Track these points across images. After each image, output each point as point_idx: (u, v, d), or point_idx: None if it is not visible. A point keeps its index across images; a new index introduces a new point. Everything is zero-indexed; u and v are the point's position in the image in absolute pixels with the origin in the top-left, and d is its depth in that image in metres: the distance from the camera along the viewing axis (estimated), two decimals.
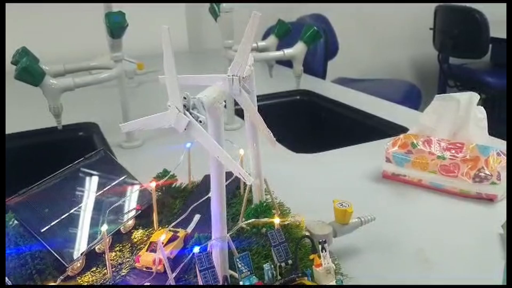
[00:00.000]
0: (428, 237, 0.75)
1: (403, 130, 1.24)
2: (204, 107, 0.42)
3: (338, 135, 1.49)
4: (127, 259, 0.60)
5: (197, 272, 0.48)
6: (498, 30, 2.60)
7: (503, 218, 0.75)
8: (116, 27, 1.02)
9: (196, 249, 0.48)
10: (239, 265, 0.49)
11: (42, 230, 0.56)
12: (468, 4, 2.68)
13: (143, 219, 0.68)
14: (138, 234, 0.65)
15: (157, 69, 1.89)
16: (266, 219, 0.58)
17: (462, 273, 0.66)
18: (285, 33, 1.33)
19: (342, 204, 0.68)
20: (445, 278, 0.65)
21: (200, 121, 0.42)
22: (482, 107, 0.87)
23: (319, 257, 0.51)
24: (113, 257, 0.61)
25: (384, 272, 0.66)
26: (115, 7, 1.07)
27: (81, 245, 0.59)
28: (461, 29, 2.68)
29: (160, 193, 0.72)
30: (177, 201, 0.71)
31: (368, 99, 1.54)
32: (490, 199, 0.84)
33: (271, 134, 0.55)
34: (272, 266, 0.50)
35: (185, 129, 0.42)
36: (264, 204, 0.61)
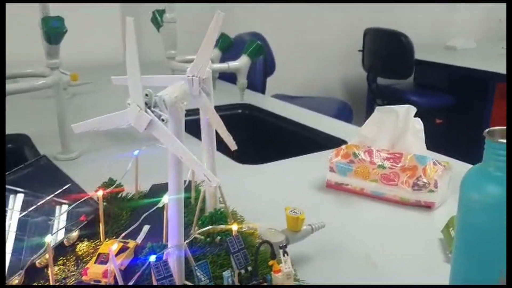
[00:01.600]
0: (374, 243, 0.78)
1: (341, 142, 1.28)
2: (166, 105, 0.41)
3: (280, 147, 1.51)
4: (72, 273, 0.56)
5: (153, 281, 0.46)
6: (420, 53, 2.78)
7: (441, 224, 0.79)
8: (54, 33, 0.98)
9: (153, 258, 0.46)
10: (198, 273, 0.47)
11: None
12: (394, 28, 2.85)
13: (88, 230, 0.64)
14: (83, 246, 0.62)
15: (92, 81, 1.83)
16: (224, 226, 0.57)
17: (409, 276, 0.69)
18: (228, 47, 1.34)
19: (294, 212, 0.68)
20: (394, 281, 0.67)
21: (163, 120, 0.40)
22: (419, 119, 0.92)
23: (278, 263, 0.50)
24: (56, 271, 0.57)
25: (336, 277, 0.67)
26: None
27: (21, 259, 0.55)
28: (389, 51, 2.83)
29: (105, 203, 0.69)
30: (124, 212, 0.68)
31: (307, 113, 1.58)
32: (428, 207, 0.88)
33: (231, 137, 0.54)
34: (232, 273, 0.49)
35: (145, 129, 0.40)
36: (219, 212, 0.60)
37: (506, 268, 0.50)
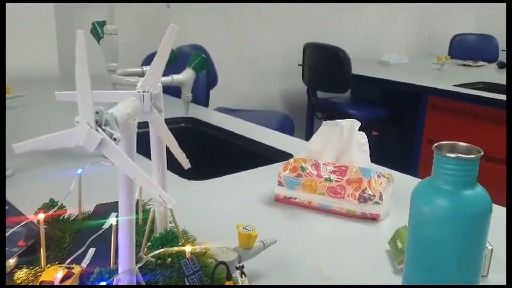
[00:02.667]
0: (324, 256, 0.78)
1: (286, 155, 1.29)
2: (117, 123, 0.39)
3: (226, 161, 1.50)
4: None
5: None
6: (356, 68, 2.88)
7: (387, 235, 0.81)
8: None
9: (103, 284, 0.43)
10: None
11: None
12: (331, 43, 2.93)
13: (26, 256, 0.59)
14: (22, 274, 0.57)
15: (25, 94, 1.73)
16: (178, 248, 0.54)
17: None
18: (172, 59, 1.31)
19: (246, 229, 0.67)
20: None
21: (115, 139, 0.38)
22: (363, 133, 0.94)
23: (234, 283, 0.49)
24: None
25: None
26: None
27: None
28: (327, 66, 2.91)
29: (46, 226, 0.64)
30: (66, 235, 0.64)
31: (251, 126, 1.58)
32: (373, 218, 0.90)
33: (184, 155, 0.52)
34: None
35: (96, 148, 0.38)
36: (170, 233, 0.58)
37: (457, 279, 0.51)
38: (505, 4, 3.19)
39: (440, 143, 0.53)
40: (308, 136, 3.31)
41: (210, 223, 0.85)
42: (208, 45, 2.70)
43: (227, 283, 0.50)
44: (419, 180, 1.09)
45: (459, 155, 0.51)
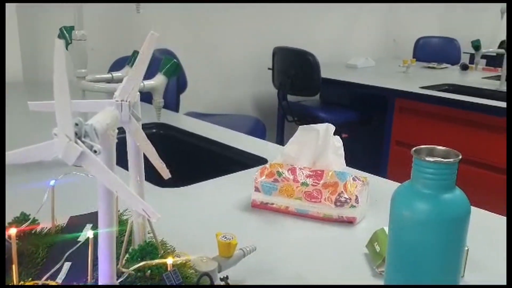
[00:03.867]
0: (303, 261, 0.78)
1: (260, 160, 1.29)
2: (97, 134, 0.37)
3: (200, 167, 1.48)
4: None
5: None
6: (324, 71, 2.91)
7: (364, 238, 0.82)
8: None
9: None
10: None
11: None
12: (298, 47, 2.96)
13: None
14: None
15: None
16: (159, 260, 0.53)
17: None
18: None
19: (225, 237, 0.67)
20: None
21: (95, 151, 0.37)
22: (338, 137, 0.95)
23: None
24: None
25: None
26: None
27: None
28: (297, 70, 2.93)
29: (17, 241, 0.61)
30: (39, 249, 0.62)
31: (223, 131, 1.57)
32: (350, 222, 0.90)
33: (164, 164, 0.51)
34: None
35: (75, 162, 0.36)
36: (149, 244, 0.56)
37: (438, 280, 0.52)
38: (468, 8, 3.28)
39: (418, 147, 0.54)
40: (279, 139, 3.32)
41: (188, 231, 0.84)
42: (176, 49, 2.68)
43: None
44: (392, 182, 1.12)
45: (438, 159, 0.52)
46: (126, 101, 0.44)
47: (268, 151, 1.33)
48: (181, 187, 1.06)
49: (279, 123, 3.31)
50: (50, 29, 2.40)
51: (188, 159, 1.55)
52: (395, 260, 0.56)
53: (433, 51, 3.97)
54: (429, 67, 3.43)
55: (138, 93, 0.47)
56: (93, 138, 0.37)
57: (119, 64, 2.19)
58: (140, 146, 0.50)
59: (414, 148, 0.54)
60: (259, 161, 1.28)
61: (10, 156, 0.37)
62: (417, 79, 2.95)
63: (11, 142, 1.35)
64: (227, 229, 0.69)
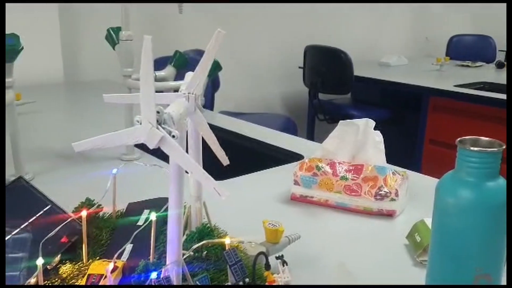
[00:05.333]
0: (344, 252, 0.81)
1: (296, 156, 1.32)
2: (173, 122, 0.41)
3: (236, 163, 1.52)
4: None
5: None
6: (357, 69, 2.92)
7: (404, 230, 0.84)
8: (9, 50, 0.94)
9: (154, 275, 0.46)
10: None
11: None
12: (329, 45, 2.97)
13: (68, 252, 0.62)
14: (66, 268, 0.59)
15: (35, 100, 1.76)
16: (218, 240, 0.57)
17: (383, 280, 0.72)
18: (183, 64, 1.34)
19: (272, 224, 0.70)
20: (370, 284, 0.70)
21: (173, 136, 0.41)
22: (379, 132, 0.97)
23: (272, 273, 0.52)
24: None
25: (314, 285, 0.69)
26: None
27: (14, 282, 0.52)
28: (328, 68, 2.94)
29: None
30: (103, 232, 0.67)
31: (257, 128, 1.61)
32: (389, 215, 0.93)
33: (223, 152, 0.55)
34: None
35: (156, 145, 0.40)
36: (207, 227, 0.60)
37: (482, 267, 0.54)
38: (504, 4, 3.23)
39: (462, 138, 0.56)
40: (309, 138, 3.34)
41: (234, 219, 0.87)
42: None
43: (266, 273, 0.53)
44: (429, 177, 1.13)
45: (482, 148, 0.54)
46: (193, 93, 0.48)
47: (303, 147, 1.36)
48: (219, 181, 1.10)
49: (310, 121, 3.33)
50: (90, 30, 2.50)
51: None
52: (439, 247, 0.59)
53: (467, 49, 3.91)
54: (463, 65, 3.39)
55: (202, 87, 0.51)
56: (171, 125, 0.41)
57: (157, 63, 2.26)
58: (204, 135, 0.54)
59: (458, 139, 0.56)
60: (295, 157, 1.31)
61: (93, 141, 0.42)
62: (451, 77, 2.93)
63: (54, 138, 1.43)
64: (269, 219, 0.72)
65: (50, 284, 0.56)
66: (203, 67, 0.47)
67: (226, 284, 0.49)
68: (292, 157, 1.33)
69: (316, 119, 3.24)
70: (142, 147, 1.32)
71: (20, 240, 0.58)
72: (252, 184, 1.11)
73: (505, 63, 3.25)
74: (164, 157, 1.21)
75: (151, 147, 0.41)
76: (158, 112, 0.41)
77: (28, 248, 0.58)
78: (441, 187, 0.57)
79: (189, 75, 0.55)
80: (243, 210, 0.94)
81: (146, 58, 0.40)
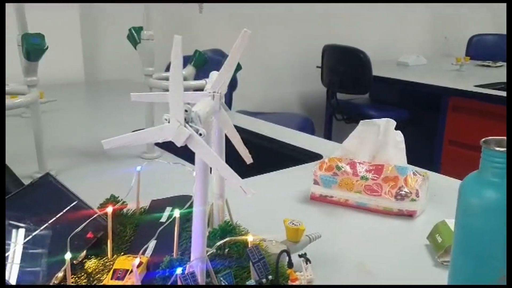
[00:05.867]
0: (364, 252, 0.81)
1: (314, 155, 1.32)
2: (200, 120, 0.42)
3: (255, 162, 1.53)
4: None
5: None
6: (375, 69, 2.90)
7: (424, 231, 0.83)
8: (34, 50, 0.96)
9: (179, 270, 0.47)
10: (223, 284, 0.48)
11: None
12: (347, 44, 2.96)
13: (93, 248, 0.63)
14: (91, 263, 0.61)
15: (56, 99, 1.79)
16: (241, 237, 0.58)
17: (403, 280, 0.72)
18: (203, 63, 1.35)
19: (293, 223, 0.70)
20: (390, 284, 0.70)
21: (200, 134, 0.42)
22: (400, 132, 0.97)
23: (294, 271, 0.52)
24: None
25: (334, 283, 0.70)
26: None
27: (41, 276, 0.53)
28: (347, 68, 2.93)
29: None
30: (127, 228, 0.68)
31: (276, 128, 1.62)
32: (410, 215, 0.92)
33: (247, 151, 0.56)
34: (255, 282, 0.51)
35: (184, 143, 0.41)
36: (229, 224, 0.61)
37: (505, 267, 0.54)
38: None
39: (487, 138, 0.56)
40: (327, 138, 3.32)
41: (254, 218, 0.88)
42: (227, 49, 2.74)
43: (289, 271, 0.53)
44: (449, 178, 1.12)
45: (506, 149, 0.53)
46: (218, 92, 0.48)
47: (321, 147, 1.36)
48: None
49: (327, 121, 3.32)
50: (109, 30, 2.53)
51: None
52: (463, 248, 0.58)
53: (487, 48, 3.85)
54: (483, 65, 3.34)
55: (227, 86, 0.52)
56: (198, 123, 0.42)
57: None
58: (228, 133, 0.55)
59: (483, 139, 0.56)
60: (312, 156, 1.31)
61: (122, 138, 0.43)
62: (471, 77, 2.89)
63: (75, 135, 1.45)
64: (289, 218, 0.72)
65: (76, 278, 0.58)
66: (229, 66, 0.48)
67: (249, 281, 0.50)
68: (310, 156, 1.33)
69: (333, 119, 3.23)
70: (162, 145, 1.34)
71: (40, 237, 0.60)
72: (271, 183, 1.11)
73: None
74: (184, 156, 1.22)
75: (178, 144, 0.42)
76: (186, 110, 0.41)
77: (47, 244, 0.59)
78: (465, 187, 0.57)
79: (214, 74, 0.56)
80: (263, 209, 0.94)
81: (175, 57, 0.40)
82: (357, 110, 3.09)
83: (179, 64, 0.41)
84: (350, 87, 3.00)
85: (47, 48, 0.97)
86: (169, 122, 0.41)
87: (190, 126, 0.41)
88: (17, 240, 0.56)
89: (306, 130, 2.61)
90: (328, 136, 3.27)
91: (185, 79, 1.31)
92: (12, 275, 0.52)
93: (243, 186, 0.43)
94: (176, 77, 0.41)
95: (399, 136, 0.97)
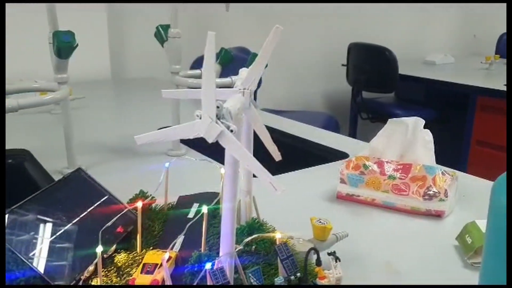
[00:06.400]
0: (391, 251, 0.80)
1: (339, 153, 1.31)
2: (231, 117, 0.42)
3: (280, 161, 1.53)
4: (116, 284, 0.56)
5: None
6: (401, 68, 2.86)
7: (453, 231, 0.82)
8: (64, 47, 0.98)
9: (208, 265, 0.47)
10: (252, 280, 0.48)
11: (31, 255, 0.51)
12: (378, 43, 2.92)
13: (123, 242, 0.64)
14: (121, 257, 0.62)
15: (84, 96, 1.82)
16: (269, 234, 0.58)
17: (432, 281, 0.71)
18: (229, 61, 1.36)
19: (320, 221, 0.70)
20: (419, 284, 0.69)
21: (231, 131, 0.42)
22: (428, 131, 0.95)
23: (322, 270, 0.52)
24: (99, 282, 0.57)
25: (362, 283, 0.69)
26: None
27: (73, 269, 0.55)
28: (373, 66, 2.90)
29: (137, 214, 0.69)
30: (155, 223, 0.69)
31: (301, 126, 1.61)
32: (438, 215, 0.91)
33: (276, 147, 0.56)
34: (283, 279, 0.51)
35: (215, 139, 0.41)
36: (256, 221, 0.61)
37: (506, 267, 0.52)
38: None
39: None
40: (351, 136, 3.29)
41: (279, 215, 0.88)
42: (252, 47, 2.75)
43: (317, 269, 0.53)
44: (479, 178, 1.10)
45: None
46: (248, 89, 0.48)
47: (347, 146, 1.35)
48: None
49: (352, 120, 3.29)
50: (134, 29, 2.56)
51: (268, 152, 1.60)
52: (494, 249, 0.57)
53: None
54: None
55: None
56: (229, 120, 0.42)
57: (201, 61, 2.30)
58: (257, 130, 0.55)
59: None
60: (337, 155, 1.31)
61: (154, 134, 0.43)
62: (500, 76, 2.82)
63: (102, 132, 1.48)
64: (316, 216, 0.72)
65: (106, 272, 0.59)
66: (260, 62, 0.48)
67: (276, 278, 0.50)
68: (336, 155, 1.32)
69: (358, 117, 3.20)
70: (187, 143, 1.35)
71: (71, 230, 0.61)
72: (297, 182, 1.11)
73: None
74: (209, 153, 1.22)
75: (210, 141, 0.42)
76: (217, 107, 0.41)
77: (78, 238, 0.60)
78: (498, 188, 0.56)
79: (243, 71, 0.56)
80: (288, 207, 0.94)
81: (209, 54, 0.40)
82: (383, 109, 3.06)
83: (212, 61, 0.41)
84: (376, 85, 2.97)
85: (77, 45, 0.99)
86: (200, 118, 0.41)
87: (222, 123, 0.42)
88: (47, 235, 0.57)
89: (330, 129, 2.59)
90: (352, 135, 3.25)
91: None
92: (42, 268, 0.53)
93: (274, 182, 0.43)
94: (209, 73, 0.41)
95: (428, 135, 0.95)
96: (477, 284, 0.61)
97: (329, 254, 0.52)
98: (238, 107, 0.45)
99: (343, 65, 3.14)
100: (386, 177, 0.94)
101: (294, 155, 1.49)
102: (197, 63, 2.36)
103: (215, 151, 0.89)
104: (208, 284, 0.47)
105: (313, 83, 3.43)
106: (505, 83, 2.55)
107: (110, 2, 2.38)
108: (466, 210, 0.94)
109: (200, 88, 0.43)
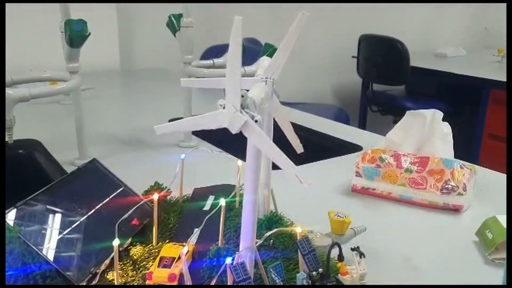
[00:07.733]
0: (409, 246, 0.78)
1: (353, 146, 1.29)
2: (255, 106, 0.41)
3: (293, 153, 1.51)
4: (132, 278, 0.55)
5: (229, 283, 0.46)
6: (412, 60, 2.82)
7: (471, 226, 0.80)
8: (76, 36, 0.96)
9: (229, 260, 0.46)
10: (273, 275, 0.47)
11: (46, 247, 0.50)
12: (389, 35, 2.89)
13: (138, 235, 0.63)
14: (137, 250, 0.60)
15: (94, 87, 1.81)
16: (290, 228, 0.56)
17: (452, 278, 0.69)
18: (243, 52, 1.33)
19: (338, 215, 0.69)
20: (439, 283, 0.67)
21: (256, 121, 0.40)
22: (447, 123, 0.93)
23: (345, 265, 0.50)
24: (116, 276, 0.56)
25: (381, 279, 0.67)
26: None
27: (89, 263, 0.53)
28: (384, 58, 2.87)
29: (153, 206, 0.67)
30: (170, 216, 0.67)
31: (314, 118, 1.59)
32: (456, 210, 0.89)
33: (298, 139, 0.54)
34: (305, 275, 0.49)
35: (239, 129, 0.40)
36: (275, 215, 0.60)
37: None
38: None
39: None
40: (361, 129, 3.26)
41: (295, 209, 0.86)
42: (260, 38, 2.72)
43: (339, 264, 0.51)
44: (499, 173, 1.08)
45: None
46: (271, 78, 0.47)
47: (360, 138, 1.33)
48: (277, 170, 1.10)
49: (362, 113, 3.26)
50: (144, 20, 2.54)
51: (280, 145, 1.58)
52: None
53: None
54: None
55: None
56: (253, 110, 0.40)
57: (211, 51, 2.27)
58: (279, 121, 0.53)
59: None
60: (351, 148, 1.29)
61: (175, 124, 0.42)
62: None
63: (113, 123, 1.46)
64: (332, 210, 0.70)
65: (122, 265, 0.57)
66: (285, 50, 0.46)
67: (298, 273, 0.48)
68: (349, 148, 1.30)
69: (368, 110, 3.17)
70: (198, 134, 1.33)
71: (86, 222, 0.60)
72: (311, 175, 1.07)
73: None
74: (220, 145, 1.20)
75: (233, 131, 0.40)
76: (242, 96, 0.40)
77: (93, 230, 0.59)
78: None
79: (264, 60, 0.54)
80: (303, 200, 0.92)
81: (234, 41, 0.39)
82: (393, 101, 3.02)
83: (238, 48, 0.39)
84: (387, 78, 2.93)
85: (89, 34, 0.97)
86: (224, 108, 0.39)
87: (246, 113, 0.40)
88: (62, 227, 0.56)
89: (340, 121, 2.57)
90: (362, 127, 3.22)
91: (223, 67, 1.29)
92: (57, 261, 0.52)
93: (299, 175, 0.41)
94: (234, 61, 0.39)
95: (447, 128, 0.93)
96: (498, 281, 0.59)
97: (352, 249, 0.51)
98: (262, 97, 0.43)
99: (353, 57, 3.11)
100: (402, 170, 0.92)
101: (307, 147, 1.47)
102: (208, 54, 2.34)
103: (228, 143, 0.88)
104: (229, 279, 0.46)
105: (323, 75, 3.39)
106: None
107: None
108: (485, 204, 0.92)
109: (213, 77, 0.41)
